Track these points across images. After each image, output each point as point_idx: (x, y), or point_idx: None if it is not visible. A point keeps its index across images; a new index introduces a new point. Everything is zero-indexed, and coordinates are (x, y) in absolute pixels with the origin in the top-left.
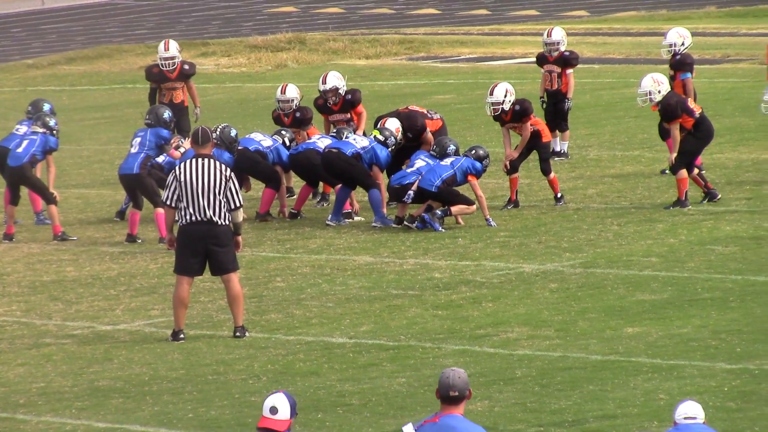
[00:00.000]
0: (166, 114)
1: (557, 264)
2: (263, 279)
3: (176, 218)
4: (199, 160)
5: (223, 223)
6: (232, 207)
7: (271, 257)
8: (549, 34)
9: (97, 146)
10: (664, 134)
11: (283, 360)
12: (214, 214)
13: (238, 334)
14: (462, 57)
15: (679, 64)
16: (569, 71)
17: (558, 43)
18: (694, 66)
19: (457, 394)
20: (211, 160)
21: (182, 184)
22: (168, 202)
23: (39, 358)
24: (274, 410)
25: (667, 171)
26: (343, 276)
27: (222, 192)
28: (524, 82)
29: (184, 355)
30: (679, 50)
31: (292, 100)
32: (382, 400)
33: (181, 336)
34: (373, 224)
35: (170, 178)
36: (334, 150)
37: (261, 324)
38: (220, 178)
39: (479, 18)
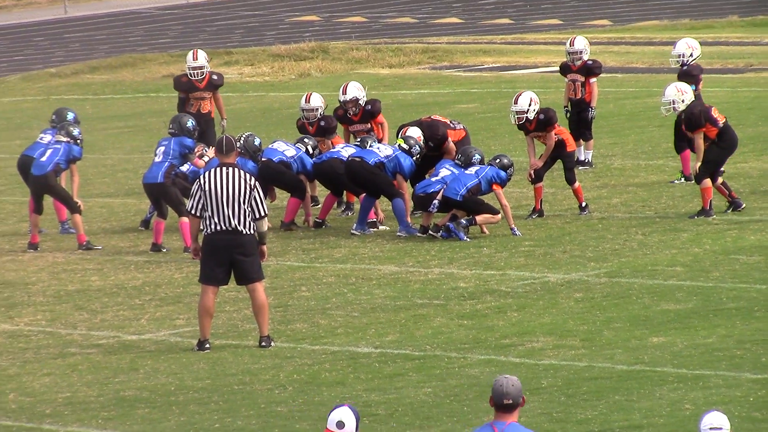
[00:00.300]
0: (190, 123)
1: (582, 273)
2: (288, 288)
3: (201, 227)
4: (224, 169)
5: (248, 232)
6: (257, 216)
7: (296, 266)
8: (572, 43)
9: (120, 155)
10: (680, 148)
11: (309, 370)
12: (239, 223)
13: (263, 343)
14: (485, 66)
15: (684, 75)
16: (592, 80)
17: (581, 52)
18: (702, 76)
19: (511, 401)
20: (236, 169)
21: (207, 193)
22: (192, 211)
23: (64, 368)
24: (341, 425)
25: (676, 181)
26: (369, 285)
27: (247, 201)
28: (548, 91)
29: (210, 364)
30: (687, 61)
31: (317, 109)
32: (408, 410)
33: (207, 346)
34: (398, 234)
35: (195, 187)
36: (357, 159)
37: (286, 333)
38: (245, 187)
39: (502, 27)
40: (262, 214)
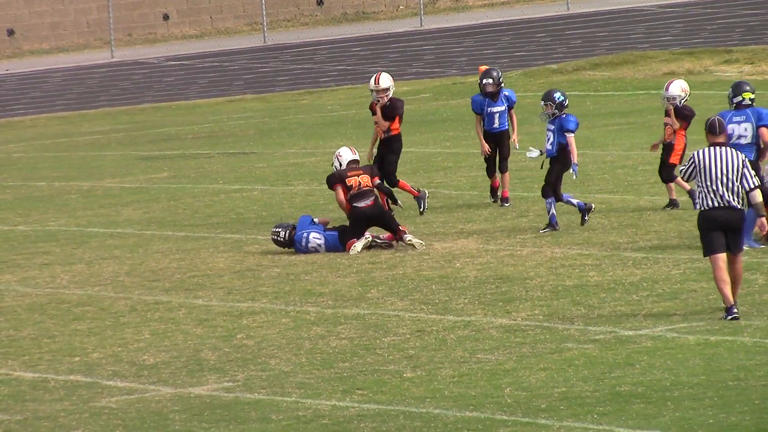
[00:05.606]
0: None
1: None
2: None
3: (697, 202)
4: (715, 148)
5: (740, 207)
6: (748, 188)
7: None
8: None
9: (620, 152)
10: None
11: None
12: (732, 199)
13: (727, 314)
14: None
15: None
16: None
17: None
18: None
19: None
20: (727, 148)
21: (701, 170)
22: (683, 178)
23: (560, 363)
24: None
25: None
26: None
27: (738, 178)
28: None
29: (705, 360)
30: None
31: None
32: None
33: (734, 311)
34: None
35: (689, 160)
36: None
37: None
38: (737, 163)
39: None
40: (754, 185)
